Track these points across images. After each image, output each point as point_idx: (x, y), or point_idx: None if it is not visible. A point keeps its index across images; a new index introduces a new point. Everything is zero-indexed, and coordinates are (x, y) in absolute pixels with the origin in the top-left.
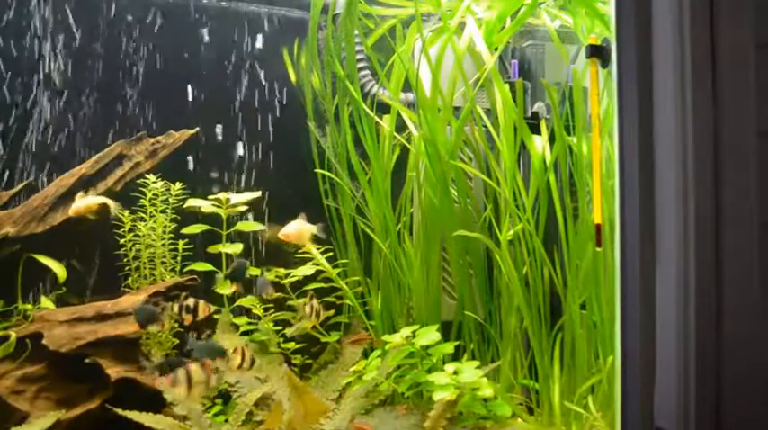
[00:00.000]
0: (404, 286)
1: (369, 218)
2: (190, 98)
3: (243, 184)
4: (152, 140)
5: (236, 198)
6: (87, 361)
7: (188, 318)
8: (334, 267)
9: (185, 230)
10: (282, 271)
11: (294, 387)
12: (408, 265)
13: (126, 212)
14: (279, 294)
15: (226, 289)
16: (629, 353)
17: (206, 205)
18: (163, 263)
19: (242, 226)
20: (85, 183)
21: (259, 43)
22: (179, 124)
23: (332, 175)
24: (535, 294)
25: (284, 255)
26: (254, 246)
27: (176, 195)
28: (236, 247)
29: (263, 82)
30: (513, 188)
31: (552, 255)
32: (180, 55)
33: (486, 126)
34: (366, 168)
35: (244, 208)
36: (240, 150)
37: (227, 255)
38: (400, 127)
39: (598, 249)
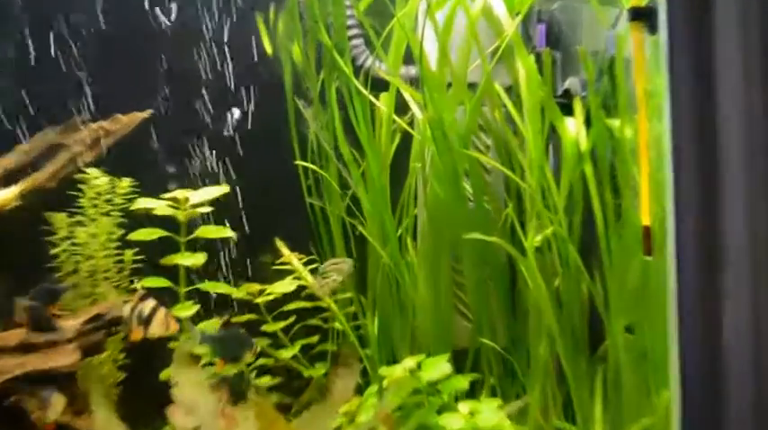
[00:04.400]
0: (406, 305)
1: (363, 220)
2: (141, 74)
3: (207, 180)
4: (94, 127)
5: (197, 196)
6: (11, 401)
7: (137, 333)
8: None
9: (133, 236)
10: (256, 286)
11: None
12: (412, 279)
13: (61, 216)
14: (252, 316)
15: (188, 310)
16: (689, 388)
17: (160, 206)
18: (106, 278)
19: (204, 231)
20: (8, 180)
21: (228, 6)
22: (127, 106)
23: (316, 168)
24: (570, 314)
25: (259, 266)
26: (221, 256)
27: (124, 194)
28: (197, 258)
29: (234, 54)
30: (541, 183)
31: (590, 265)
32: (130, 20)
33: (506, 107)
34: (359, 159)
35: (207, 209)
36: (204, 138)
37: (186, 268)
38: (401, 108)
39: (647, 258)
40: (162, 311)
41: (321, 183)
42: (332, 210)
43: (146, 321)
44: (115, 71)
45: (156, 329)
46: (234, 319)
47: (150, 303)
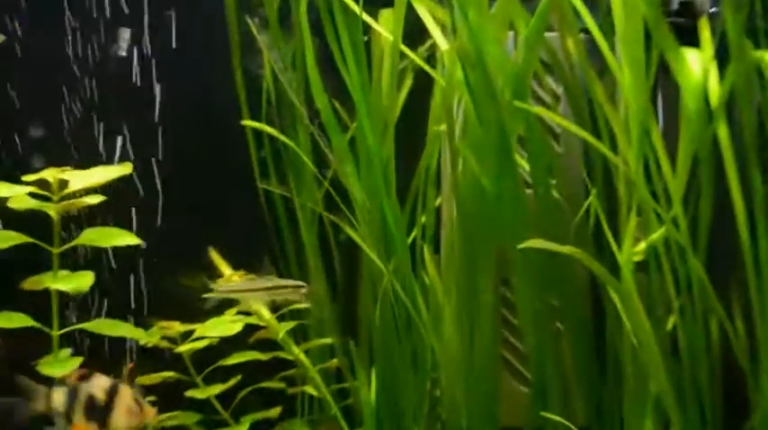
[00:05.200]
0: (423, 356)
1: (352, 217)
2: None
3: (101, 154)
4: None
5: (80, 179)
6: None
7: None
8: (281, 319)
9: None
10: (177, 326)
11: None
12: (433, 313)
13: None
14: (169, 373)
15: (64, 367)
16: None
17: (17, 194)
18: None
19: (91, 236)
20: None
21: None
22: None
23: (275, 133)
24: (692, 373)
25: (182, 293)
26: (120, 277)
27: None
28: (81, 280)
29: None
30: (645, 156)
31: (726, 290)
32: None
33: (587, 32)
34: (346, 118)
35: (97, 199)
36: (95, 87)
37: (61, 296)
38: (414, 34)
39: None
40: (126, 392)
41: (284, 159)
42: (301, 202)
43: (100, 413)
44: None
45: (121, 422)
46: (141, 379)
47: (102, 382)
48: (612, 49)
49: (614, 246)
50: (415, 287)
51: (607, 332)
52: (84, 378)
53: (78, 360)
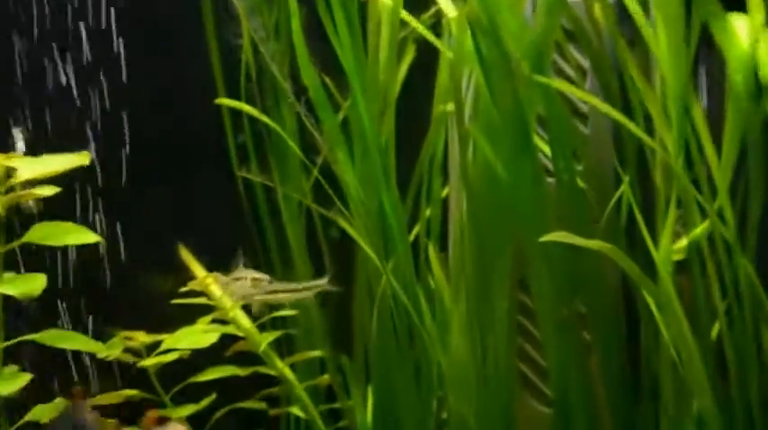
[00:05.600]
0: (428, 372)
1: (345, 210)
2: None
3: (54, 137)
4: None
5: (30, 167)
6: None
7: None
8: (263, 328)
9: None
10: (141, 337)
11: None
12: (439, 321)
13: None
14: (132, 392)
15: (9, 385)
16: None
17: None
18: None
19: (43, 232)
20: None
21: None
22: None
23: (256, 113)
24: (742, 387)
25: (148, 298)
26: (76, 280)
27: None
28: (31, 283)
29: None
30: (686, 138)
31: None
32: None
33: None
34: (338, 96)
35: (50, 191)
36: (51, 60)
37: (6, 299)
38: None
39: None
40: None
41: (266, 143)
42: (286, 193)
43: None
44: None
45: None
46: (96, 400)
47: None
48: (647, 13)
49: (650, 244)
50: (418, 291)
51: (642, 343)
52: (161, 422)
53: (26, 377)
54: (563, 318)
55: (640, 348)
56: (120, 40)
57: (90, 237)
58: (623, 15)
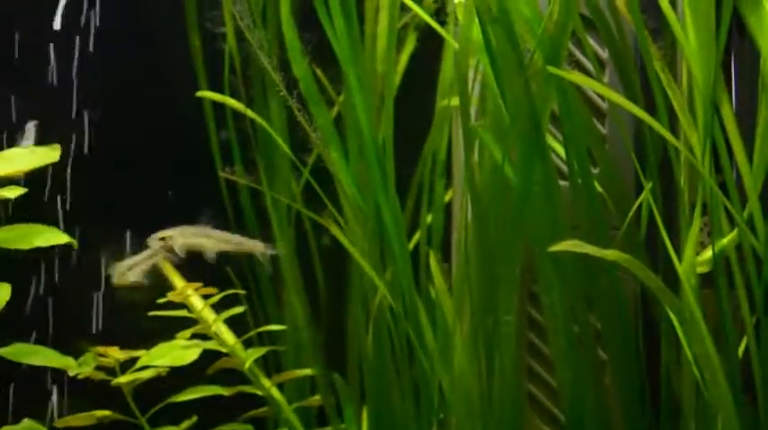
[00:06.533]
0: (428, 390)
1: (338, 215)
2: None
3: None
4: None
5: None
6: None
7: None
8: (248, 345)
9: None
10: (115, 353)
11: None
12: (441, 336)
13: None
14: (105, 413)
15: None
16: None
17: None
18: None
19: (5, 235)
20: None
21: None
22: None
23: (241, 107)
24: None
25: (122, 309)
26: (42, 289)
27: None
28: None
29: None
30: (714, 139)
31: None
32: None
33: None
34: (330, 89)
35: (15, 192)
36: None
37: None
38: None
39: None
40: None
41: (252, 140)
42: (274, 196)
43: None
44: None
45: None
46: (64, 422)
47: None
48: (673, 0)
49: (673, 254)
50: (418, 304)
51: (662, 362)
52: None
53: None
54: (576, 334)
55: (660, 366)
56: (93, 24)
57: (61, 238)
58: (647, 2)
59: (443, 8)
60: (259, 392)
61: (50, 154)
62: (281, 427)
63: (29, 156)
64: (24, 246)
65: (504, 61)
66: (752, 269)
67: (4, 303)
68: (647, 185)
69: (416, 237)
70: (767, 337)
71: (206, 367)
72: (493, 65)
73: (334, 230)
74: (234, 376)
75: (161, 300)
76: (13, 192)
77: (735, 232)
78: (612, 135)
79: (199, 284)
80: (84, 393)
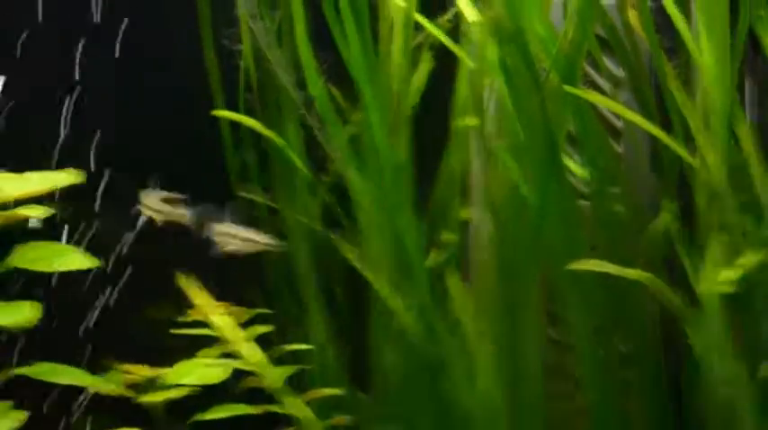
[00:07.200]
0: (452, 415)
1: (357, 233)
2: None
3: (39, 156)
4: None
5: (15, 185)
6: None
7: None
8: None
9: None
10: (141, 371)
11: None
12: (463, 358)
13: None
14: None
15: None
16: None
17: None
18: None
19: (27, 255)
20: None
21: None
22: None
23: (258, 126)
24: None
25: (144, 328)
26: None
27: None
28: (21, 312)
29: None
30: (732, 155)
31: None
32: None
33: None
34: (344, 107)
35: (37, 212)
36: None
37: None
38: (431, 0)
39: None
40: None
41: (270, 159)
42: (292, 215)
43: None
44: None
45: None
46: None
47: None
48: (688, 19)
49: (692, 274)
50: (437, 324)
51: (684, 383)
52: None
53: (21, 414)
54: (602, 357)
55: (682, 389)
56: (106, 41)
57: (84, 262)
58: (662, 21)
59: (458, 26)
60: (285, 411)
61: (73, 177)
62: None
63: (47, 178)
64: (45, 268)
65: (519, 80)
66: None
67: (34, 322)
68: (665, 204)
69: (433, 255)
70: None
71: (225, 384)
72: (508, 84)
73: (346, 250)
74: (253, 393)
75: (183, 319)
76: (34, 212)
77: (760, 253)
78: (629, 154)
79: (226, 304)
80: (100, 409)
